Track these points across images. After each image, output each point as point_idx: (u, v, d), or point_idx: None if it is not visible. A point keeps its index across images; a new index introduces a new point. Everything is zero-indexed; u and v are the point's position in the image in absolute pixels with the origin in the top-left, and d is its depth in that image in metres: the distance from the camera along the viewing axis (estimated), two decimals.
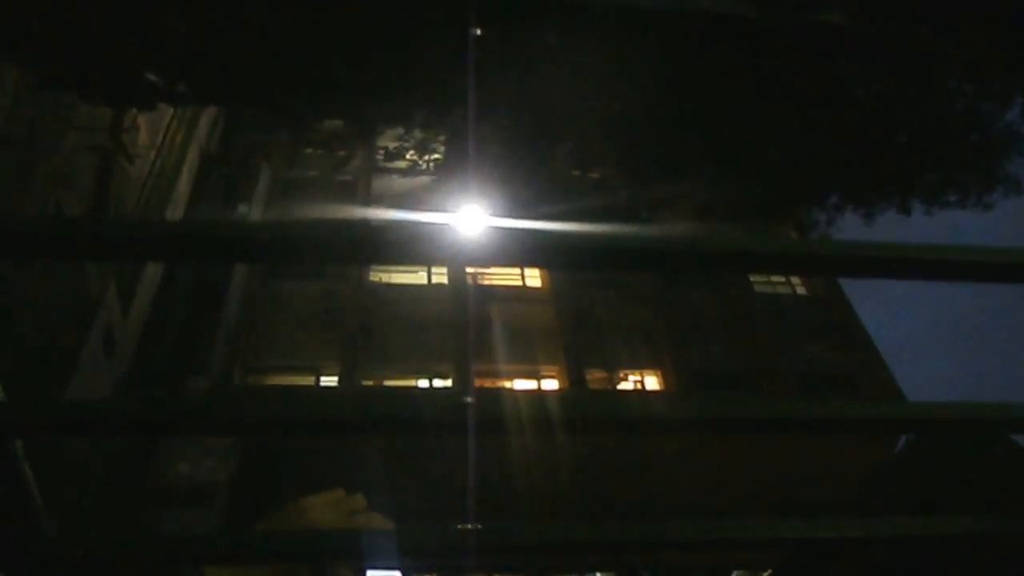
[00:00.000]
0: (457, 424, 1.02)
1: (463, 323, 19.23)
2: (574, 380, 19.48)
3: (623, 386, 20.59)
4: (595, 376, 20.08)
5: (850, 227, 16.53)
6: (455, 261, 0.86)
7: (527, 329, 20.05)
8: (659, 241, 0.90)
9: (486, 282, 20.92)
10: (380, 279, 20.89)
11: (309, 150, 18.67)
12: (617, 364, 20.44)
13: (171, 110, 17.99)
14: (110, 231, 0.81)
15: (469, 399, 1.02)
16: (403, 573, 1.23)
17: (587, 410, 1.09)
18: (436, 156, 19.04)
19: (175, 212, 19.31)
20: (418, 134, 16.22)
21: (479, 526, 1.07)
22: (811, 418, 1.12)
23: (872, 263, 0.95)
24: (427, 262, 0.89)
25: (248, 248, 0.88)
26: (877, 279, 1.01)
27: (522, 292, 21.16)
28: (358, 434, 0.98)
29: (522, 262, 0.91)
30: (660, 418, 1.09)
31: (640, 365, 20.75)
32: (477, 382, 19.21)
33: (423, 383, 19.48)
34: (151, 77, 12.44)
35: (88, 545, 1.03)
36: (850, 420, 1.13)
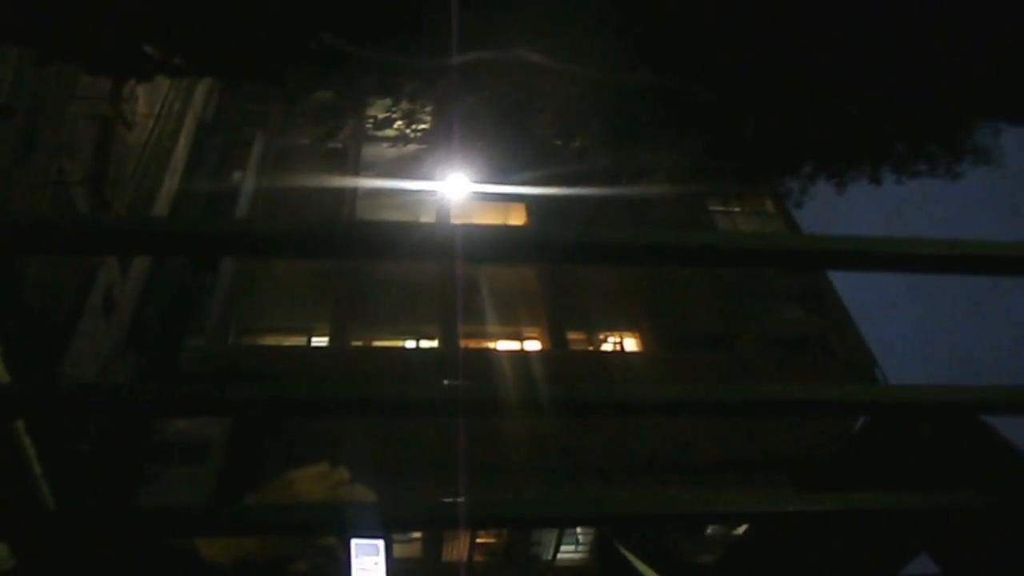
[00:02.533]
0: (445, 407, 1.03)
1: (449, 287, 19.75)
2: (556, 342, 20.04)
3: (603, 348, 21.25)
4: (576, 338, 20.71)
5: (823, 195, 17.05)
6: (446, 257, 0.89)
7: (511, 292, 20.46)
8: (646, 239, 0.94)
9: None
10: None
11: (301, 119, 19.11)
12: (597, 326, 21.06)
13: (168, 80, 18.39)
14: (110, 229, 0.84)
15: (452, 382, 1.05)
16: (386, 540, 1.28)
17: (575, 395, 1.09)
18: (423, 126, 19.47)
19: (172, 179, 19.76)
20: (406, 104, 16.66)
21: (461, 499, 1.10)
22: (788, 401, 1.12)
23: (856, 257, 0.99)
24: (416, 259, 0.92)
25: (243, 245, 0.93)
26: (861, 272, 1.02)
27: None
28: (348, 417, 1.03)
29: (506, 260, 0.96)
30: (644, 401, 1.10)
31: (619, 327, 21.33)
32: (463, 343, 19.74)
33: (410, 344, 20.13)
34: (149, 49, 12.87)
35: (84, 516, 1.04)
36: (830, 403, 1.15)
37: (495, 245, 0.93)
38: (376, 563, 1.30)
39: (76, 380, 13.49)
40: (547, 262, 1.03)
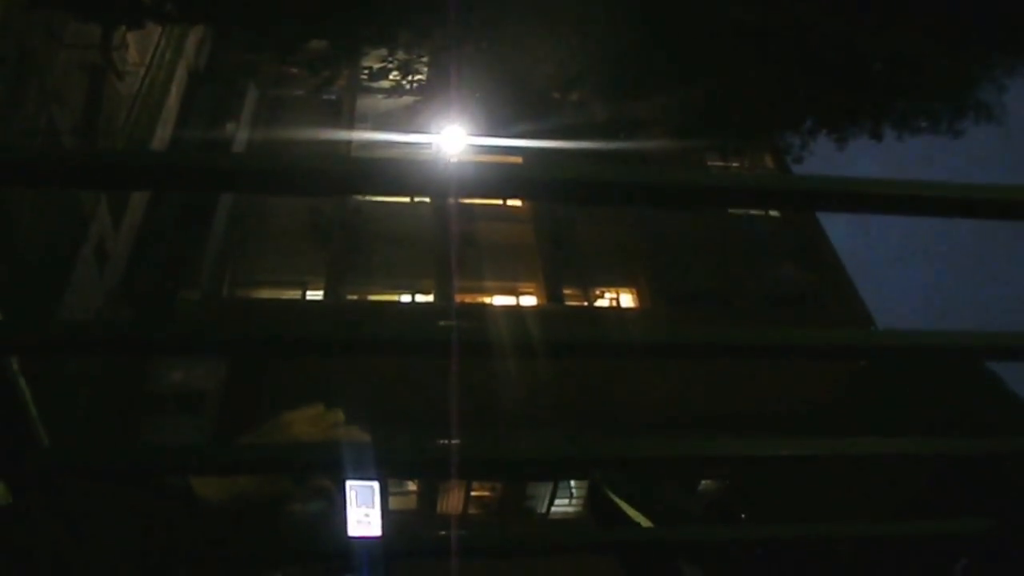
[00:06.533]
0: (441, 346, 1.02)
1: (445, 241, 19.71)
2: (552, 297, 20.05)
3: (599, 303, 21.27)
4: (572, 293, 20.71)
5: (823, 151, 16.95)
6: (441, 193, 0.88)
7: (507, 247, 20.43)
8: (642, 177, 0.92)
9: (467, 201, 21.27)
10: (365, 196, 21.24)
11: (295, 70, 18.82)
12: (593, 282, 21.04)
13: (160, 28, 18.12)
14: (107, 161, 0.84)
15: (450, 323, 1.02)
16: (380, 483, 1.29)
17: (565, 335, 1.08)
18: (419, 77, 19.24)
19: (164, 129, 19.55)
20: (401, 55, 16.42)
21: (455, 441, 1.09)
22: (790, 344, 1.11)
23: (853, 199, 0.97)
24: (414, 193, 0.91)
25: (243, 179, 0.93)
26: (856, 213, 1.00)
27: (502, 211, 21.48)
28: (344, 355, 1.03)
29: (503, 194, 0.95)
30: (635, 342, 1.09)
31: (615, 283, 21.34)
32: (458, 298, 19.74)
33: (405, 298, 20.12)
34: None
35: (81, 455, 1.05)
36: (836, 347, 1.14)
37: (490, 181, 0.92)
38: (371, 505, 1.29)
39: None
40: (540, 199, 1.01)
